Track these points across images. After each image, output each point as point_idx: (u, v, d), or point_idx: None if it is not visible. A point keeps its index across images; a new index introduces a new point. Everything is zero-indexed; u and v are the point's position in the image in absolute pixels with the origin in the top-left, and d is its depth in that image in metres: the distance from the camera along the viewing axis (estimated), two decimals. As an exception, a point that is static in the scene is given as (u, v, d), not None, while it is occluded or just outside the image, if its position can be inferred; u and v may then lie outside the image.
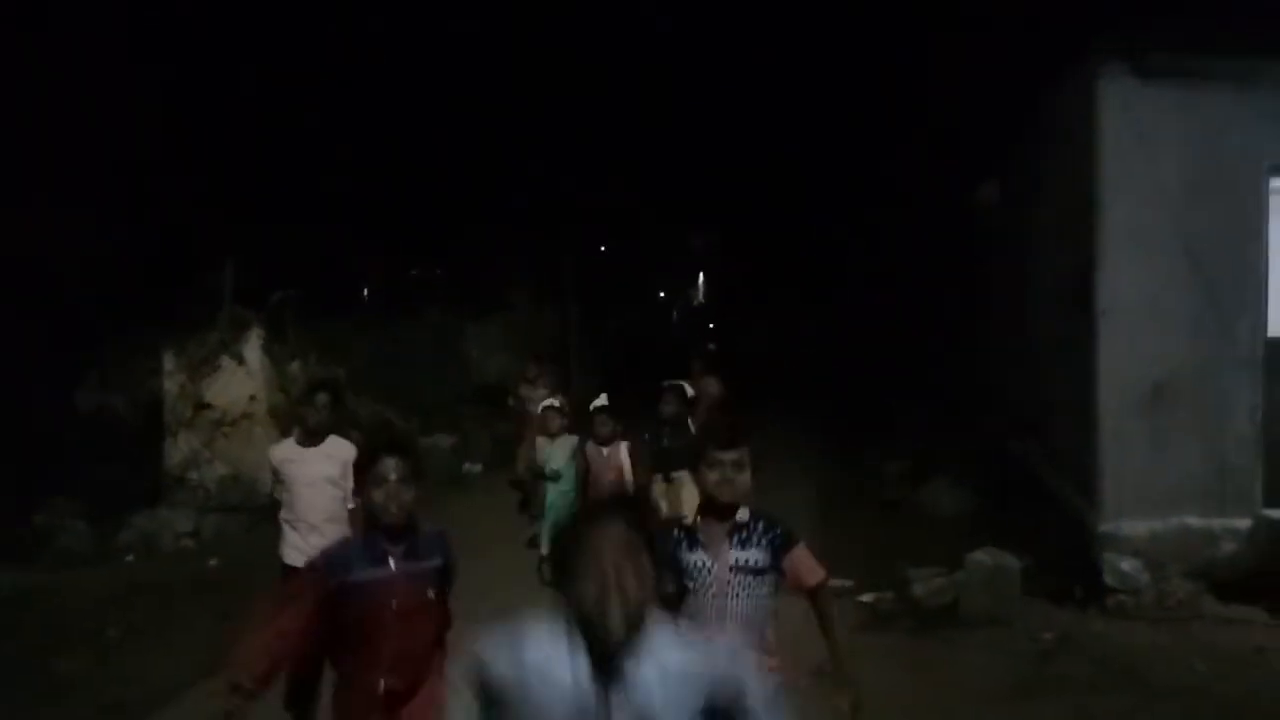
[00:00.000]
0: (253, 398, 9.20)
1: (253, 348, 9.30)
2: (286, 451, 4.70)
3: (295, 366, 9.76)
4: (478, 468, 11.66)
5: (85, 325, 9.61)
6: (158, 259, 10.67)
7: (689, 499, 5.40)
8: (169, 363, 9.20)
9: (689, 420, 6.64)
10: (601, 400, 6.58)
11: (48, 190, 9.64)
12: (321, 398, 4.68)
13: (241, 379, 9.22)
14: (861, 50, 13.52)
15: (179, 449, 9.09)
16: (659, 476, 6.51)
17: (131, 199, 10.61)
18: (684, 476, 6.16)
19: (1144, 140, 5.97)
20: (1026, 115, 7.67)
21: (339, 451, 4.50)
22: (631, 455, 6.29)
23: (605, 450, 6.32)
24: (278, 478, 4.68)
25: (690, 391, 6.93)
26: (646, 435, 6.65)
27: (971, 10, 8.73)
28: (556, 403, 7.16)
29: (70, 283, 9.72)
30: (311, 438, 4.62)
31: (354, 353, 11.54)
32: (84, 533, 8.27)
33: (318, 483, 4.48)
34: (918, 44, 10.98)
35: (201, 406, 9.13)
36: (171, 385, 9.19)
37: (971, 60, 8.89)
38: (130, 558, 8.09)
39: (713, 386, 8.60)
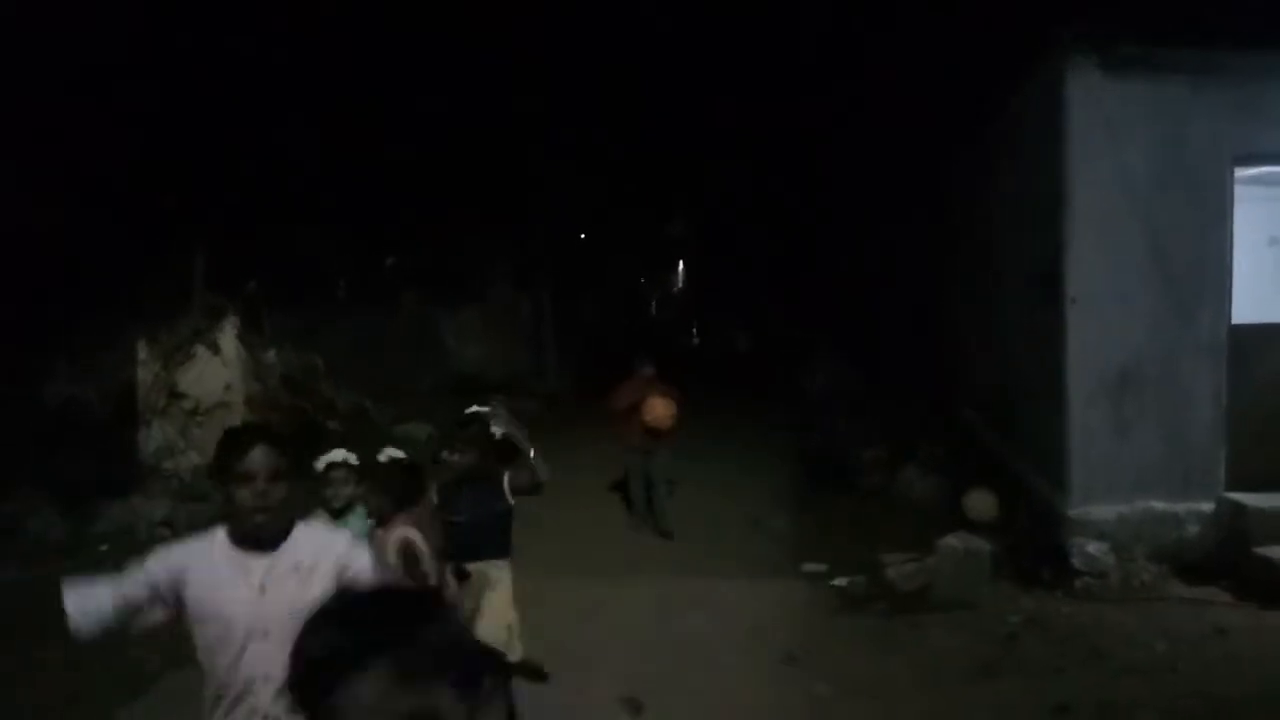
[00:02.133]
0: (228, 387, 9.16)
1: (227, 336, 9.25)
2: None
3: (271, 355, 9.72)
4: (455, 457, 11.65)
5: (55, 313, 9.49)
6: (129, 246, 10.54)
7: (500, 602, 4.01)
8: (142, 351, 9.13)
9: (503, 476, 4.20)
10: (392, 454, 4.18)
11: (15, 176, 9.49)
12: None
13: (216, 368, 9.17)
14: (834, 37, 13.57)
15: (153, 438, 9.03)
16: (450, 567, 3.87)
17: (102, 185, 10.47)
18: (490, 567, 4.04)
19: (1111, 131, 6.06)
20: (996, 105, 7.75)
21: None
22: (404, 548, 3.54)
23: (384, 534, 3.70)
24: None
25: (499, 430, 4.20)
26: (440, 499, 4.19)
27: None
28: (341, 457, 4.16)
29: (39, 270, 9.59)
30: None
31: (330, 341, 11.50)
32: (56, 523, 8.21)
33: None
34: (890, 32, 11.04)
35: (176, 395, 9.07)
36: (145, 374, 9.12)
37: (943, 49, 8.97)
38: (105, 547, 8.03)
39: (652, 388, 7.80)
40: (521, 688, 2.99)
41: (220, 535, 2.28)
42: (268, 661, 2.13)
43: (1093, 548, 6.08)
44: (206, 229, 9.93)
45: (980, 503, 7.26)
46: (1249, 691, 4.52)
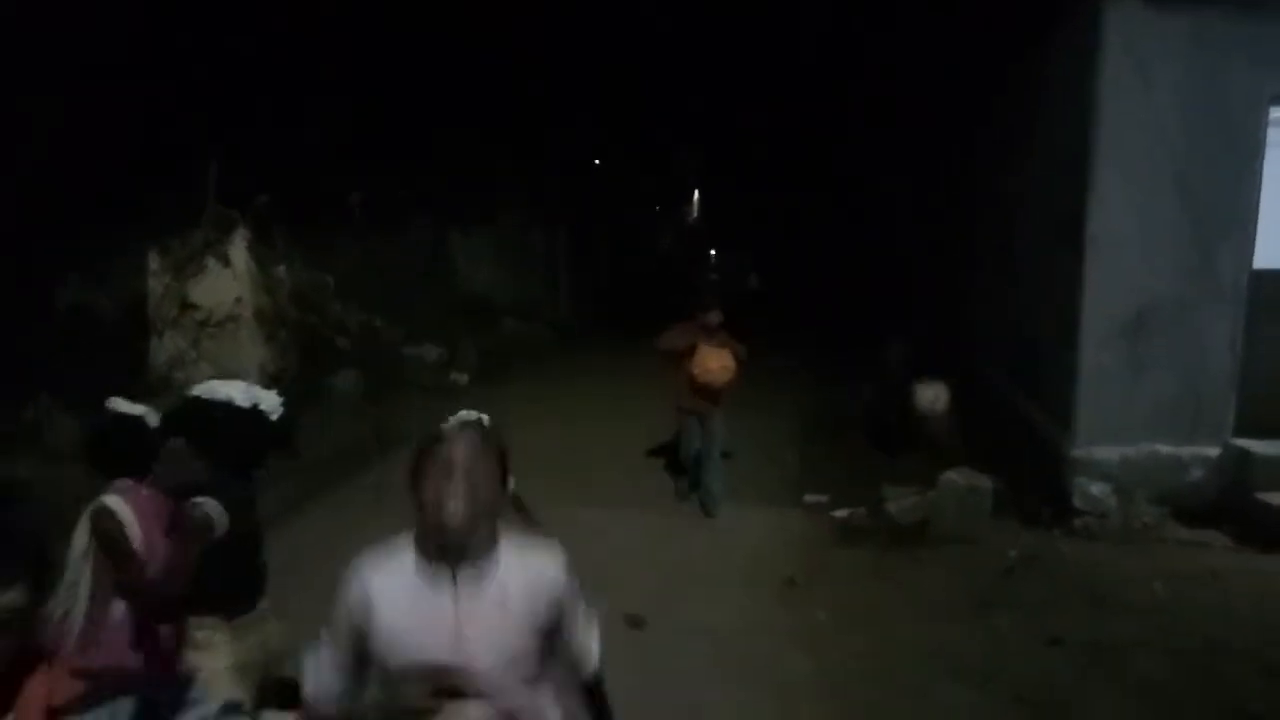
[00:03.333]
0: (238, 299, 9.17)
1: (238, 249, 9.23)
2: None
3: (281, 270, 9.70)
4: (464, 379, 11.72)
5: (67, 221, 9.46)
6: (140, 155, 10.44)
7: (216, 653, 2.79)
8: (153, 262, 9.13)
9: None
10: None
11: (26, 85, 9.36)
12: None
13: (227, 280, 9.17)
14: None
15: (164, 348, 9.08)
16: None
17: (113, 94, 10.33)
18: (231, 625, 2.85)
19: (1144, 67, 5.87)
20: (1027, 43, 7.52)
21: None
22: (100, 520, 2.75)
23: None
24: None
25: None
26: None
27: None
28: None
29: (51, 179, 9.53)
30: None
31: (341, 259, 11.45)
32: (72, 428, 8.32)
33: None
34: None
35: (187, 306, 9.09)
36: (156, 285, 9.13)
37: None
38: (117, 455, 8.16)
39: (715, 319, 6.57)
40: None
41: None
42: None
43: (1095, 489, 6.11)
44: (220, 141, 9.80)
45: (930, 393, 7.24)
46: (1243, 633, 4.57)
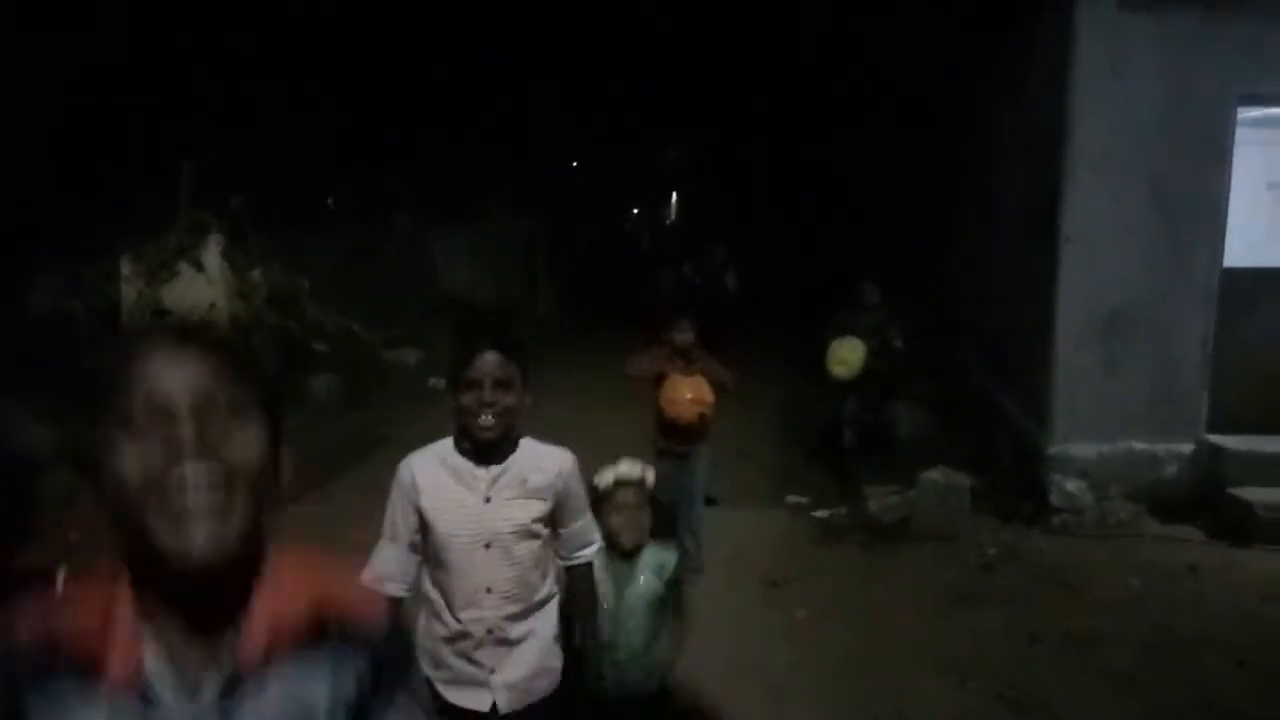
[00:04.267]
0: (213, 305, 9.05)
1: (211, 254, 9.11)
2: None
3: (256, 274, 9.59)
4: (443, 382, 11.61)
5: (39, 226, 9.33)
6: (113, 159, 10.32)
7: None
8: (125, 267, 8.99)
9: None
10: None
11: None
12: None
13: (201, 286, 9.05)
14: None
15: (139, 355, 8.97)
16: None
17: (85, 97, 10.20)
18: None
19: (1118, 66, 5.95)
20: (1003, 38, 7.58)
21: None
22: None
23: None
24: None
25: None
26: None
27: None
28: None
29: (23, 181, 9.39)
30: None
31: (318, 261, 11.34)
32: (43, 436, 8.20)
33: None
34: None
35: (160, 312, 8.97)
36: (129, 290, 9.00)
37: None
38: (90, 462, 8.05)
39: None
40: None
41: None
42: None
43: (1072, 485, 6.18)
44: (193, 144, 9.70)
45: (843, 350, 7.17)
46: (1218, 627, 4.64)
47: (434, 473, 2.25)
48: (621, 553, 2.86)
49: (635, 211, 33.86)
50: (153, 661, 0.92)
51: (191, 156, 9.43)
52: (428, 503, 2.22)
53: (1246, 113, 6.13)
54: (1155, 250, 6.09)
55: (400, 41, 13.91)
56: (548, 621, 2.37)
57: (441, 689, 2.26)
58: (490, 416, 2.17)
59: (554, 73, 16.84)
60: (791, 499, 6.97)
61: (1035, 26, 6.81)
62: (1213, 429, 6.17)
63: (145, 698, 0.91)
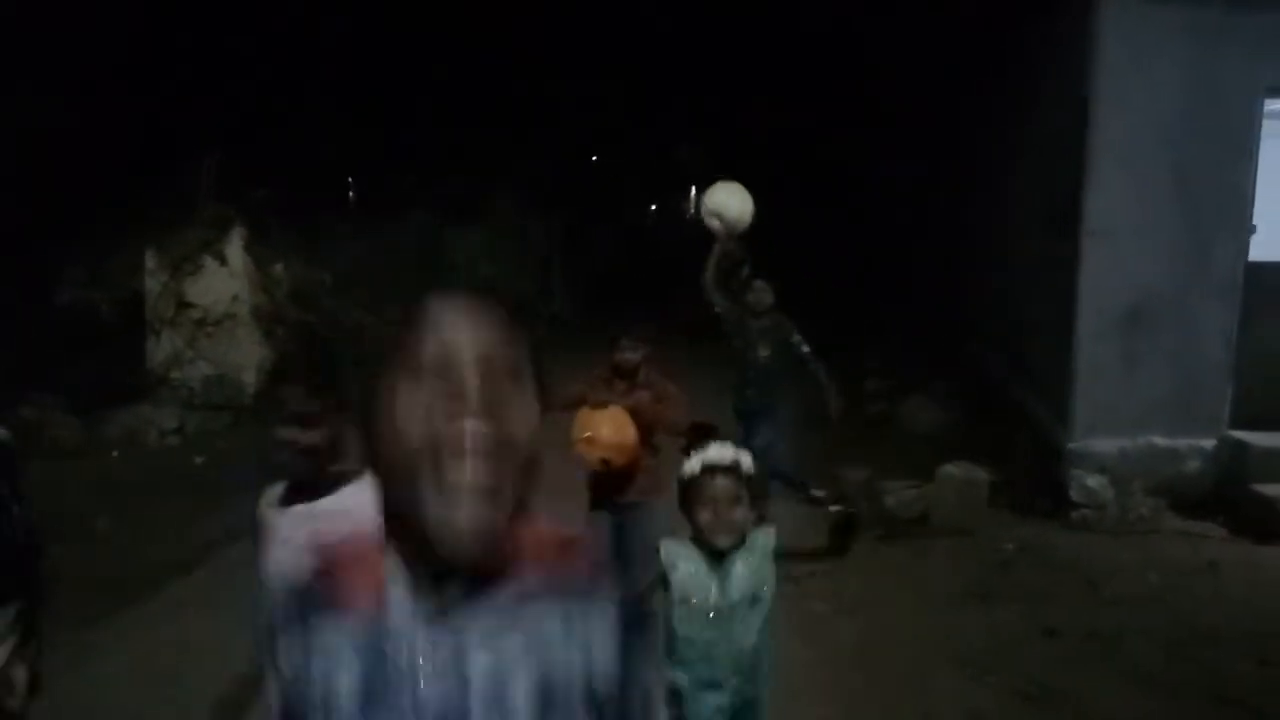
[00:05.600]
0: (235, 298, 9.16)
1: (235, 247, 9.21)
2: None
3: (279, 268, 9.68)
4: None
5: (64, 218, 9.45)
6: (136, 153, 10.43)
7: None
8: (150, 260, 9.11)
9: None
10: None
11: (20, 79, 9.34)
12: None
13: (224, 279, 9.15)
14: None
15: (162, 347, 9.08)
16: None
17: (109, 90, 10.31)
18: None
19: (1141, 58, 5.90)
20: (1024, 32, 7.52)
21: None
22: None
23: None
24: None
25: None
26: None
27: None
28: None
29: (48, 175, 9.51)
30: None
31: (338, 257, 11.43)
32: (71, 426, 8.33)
33: None
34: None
35: (184, 305, 9.08)
36: (153, 283, 9.12)
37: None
38: (115, 453, 8.17)
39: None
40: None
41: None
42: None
43: (1092, 481, 6.14)
44: (216, 138, 9.78)
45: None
46: (1238, 623, 4.60)
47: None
48: (712, 553, 2.41)
49: (654, 208, 33.81)
50: (400, 600, 0.96)
51: (213, 150, 9.51)
52: None
53: (1274, 104, 6.06)
54: (1178, 245, 6.04)
55: (419, 39, 13.97)
56: None
57: None
58: None
59: (571, 70, 16.85)
60: (811, 493, 6.96)
61: (1056, 20, 6.76)
62: (1235, 425, 6.11)
63: (389, 631, 0.95)
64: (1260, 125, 5.98)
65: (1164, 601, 4.89)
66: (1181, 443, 6.15)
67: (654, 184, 31.76)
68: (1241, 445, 5.97)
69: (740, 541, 2.41)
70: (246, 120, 11.20)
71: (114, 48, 10.13)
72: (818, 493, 6.08)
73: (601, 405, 3.99)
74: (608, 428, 3.94)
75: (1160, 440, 6.15)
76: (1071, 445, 6.20)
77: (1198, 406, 6.14)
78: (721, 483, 2.38)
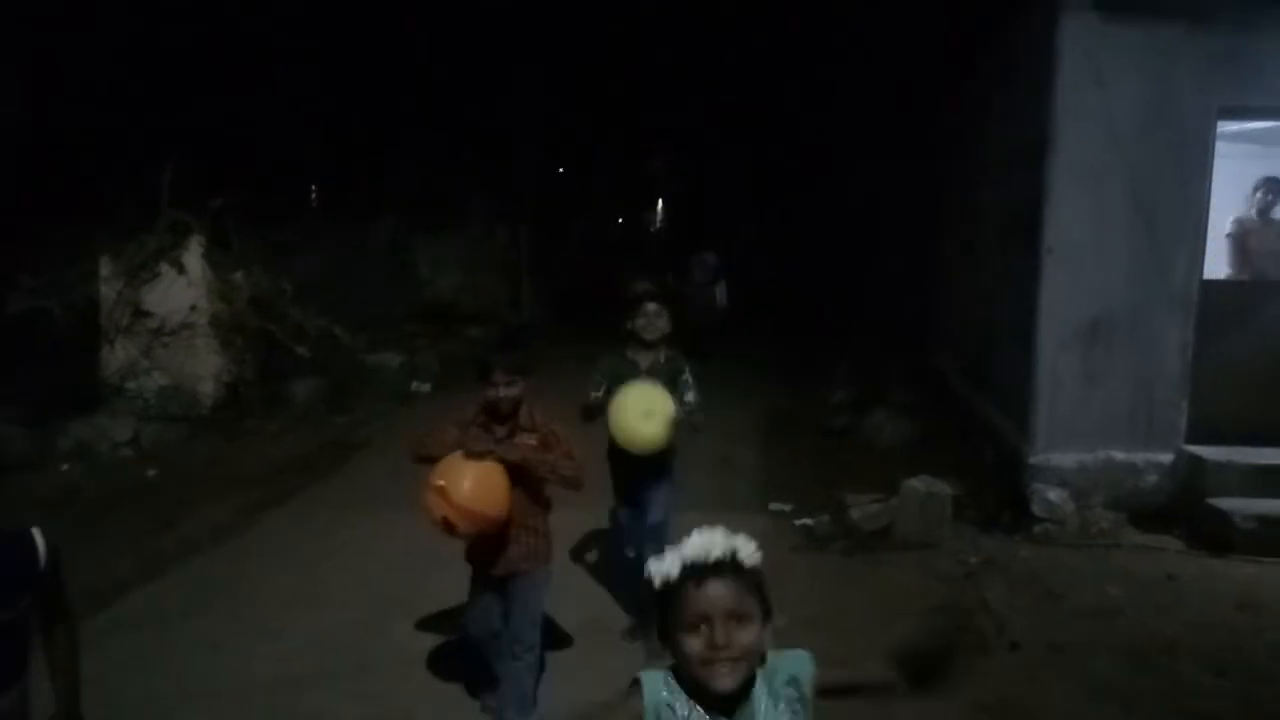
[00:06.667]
0: (194, 307, 8.99)
1: (193, 255, 9.05)
2: None
3: (238, 276, 9.52)
4: (426, 387, 11.59)
5: (17, 224, 9.21)
6: (93, 158, 10.20)
7: None
8: (105, 268, 8.92)
9: None
10: None
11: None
12: None
13: (182, 288, 8.98)
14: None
15: (116, 357, 8.88)
16: None
17: (65, 95, 10.09)
18: None
19: (1100, 77, 5.99)
20: (984, 48, 7.64)
21: None
22: None
23: None
24: None
25: None
26: None
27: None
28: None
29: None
30: None
31: (301, 265, 11.26)
32: (21, 437, 8.09)
33: None
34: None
35: (140, 314, 8.90)
36: (109, 291, 8.92)
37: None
38: (66, 466, 7.95)
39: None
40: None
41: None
42: None
43: (1053, 494, 6.19)
44: (176, 143, 9.61)
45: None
46: (1196, 634, 4.65)
47: None
48: (711, 699, 1.61)
49: (620, 220, 33.83)
50: None
51: (173, 157, 9.34)
52: None
53: (1227, 126, 6.19)
54: (1136, 260, 6.13)
55: (386, 45, 13.86)
56: None
57: None
58: None
59: (540, 79, 16.83)
60: (774, 505, 6.96)
61: (1017, 36, 6.86)
62: (1192, 439, 6.20)
63: None
64: (1214, 144, 6.09)
65: (1124, 613, 4.93)
66: (1140, 457, 6.22)
67: (623, 196, 31.74)
68: (1198, 459, 6.06)
69: (751, 679, 1.63)
70: (207, 126, 11.02)
71: (71, 52, 9.91)
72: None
73: (478, 456, 3.28)
74: (470, 485, 3.22)
75: (1119, 454, 6.23)
76: (1033, 459, 6.26)
77: (1156, 421, 6.23)
78: (715, 591, 1.57)
